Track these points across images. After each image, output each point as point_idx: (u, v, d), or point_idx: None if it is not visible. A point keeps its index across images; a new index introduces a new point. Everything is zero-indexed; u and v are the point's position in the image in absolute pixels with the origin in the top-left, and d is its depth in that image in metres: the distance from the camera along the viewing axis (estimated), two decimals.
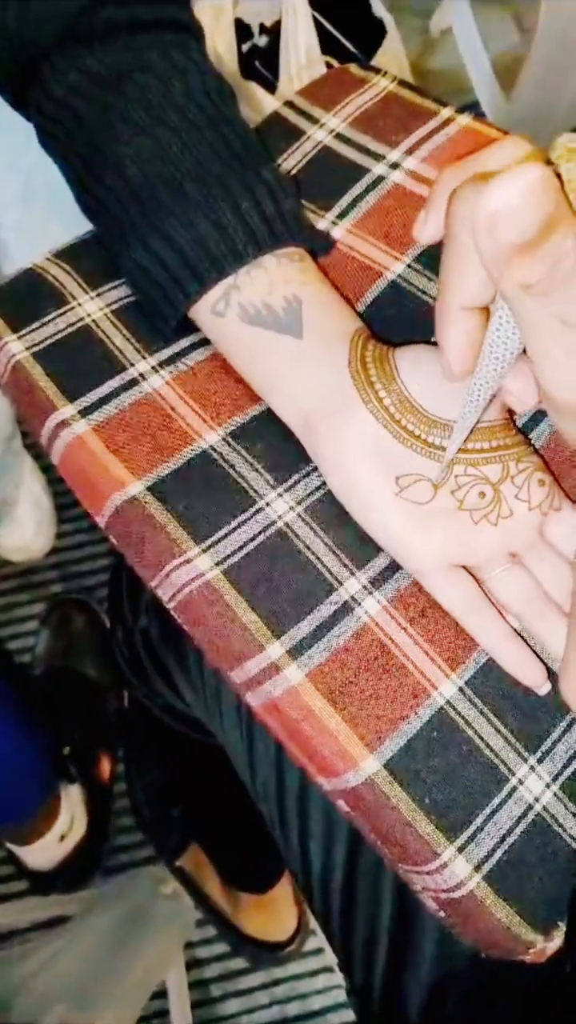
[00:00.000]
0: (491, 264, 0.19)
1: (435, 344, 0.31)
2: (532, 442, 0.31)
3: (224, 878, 0.77)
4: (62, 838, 0.76)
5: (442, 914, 0.27)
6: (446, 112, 0.38)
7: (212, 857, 0.77)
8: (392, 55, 0.90)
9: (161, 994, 0.72)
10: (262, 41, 0.90)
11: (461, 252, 0.23)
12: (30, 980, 0.65)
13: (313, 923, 0.79)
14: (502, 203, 0.18)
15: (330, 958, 0.79)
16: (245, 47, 0.90)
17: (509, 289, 0.20)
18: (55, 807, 0.75)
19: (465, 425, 0.27)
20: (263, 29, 0.90)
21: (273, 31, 0.88)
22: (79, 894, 0.79)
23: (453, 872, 0.26)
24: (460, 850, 0.26)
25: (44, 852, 0.76)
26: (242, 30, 0.89)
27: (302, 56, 0.84)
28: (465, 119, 0.37)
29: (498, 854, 0.26)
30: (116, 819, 0.84)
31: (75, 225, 0.36)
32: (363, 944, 0.35)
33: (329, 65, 0.84)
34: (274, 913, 0.77)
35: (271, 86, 0.86)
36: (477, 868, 0.26)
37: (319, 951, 0.80)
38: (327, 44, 0.85)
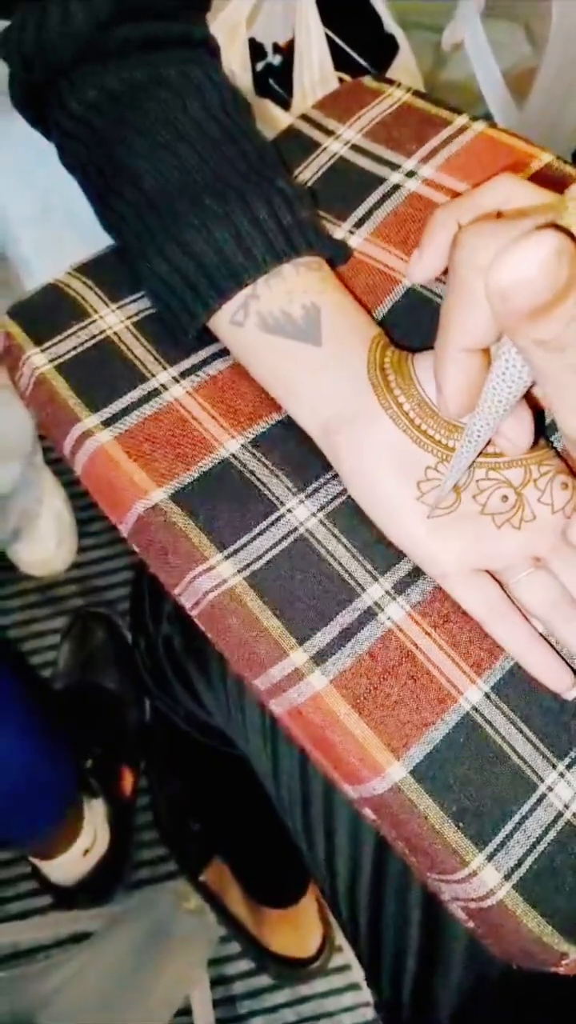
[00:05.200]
0: (505, 322, 0.19)
1: None
2: (554, 445, 0.31)
3: (248, 893, 0.76)
4: (85, 852, 0.76)
5: (472, 924, 0.27)
6: (461, 120, 0.38)
7: (235, 871, 0.77)
8: (405, 70, 0.91)
9: (186, 1011, 0.72)
10: (276, 60, 0.92)
11: (466, 297, 0.23)
12: (53, 996, 0.65)
13: (339, 939, 0.78)
14: (517, 275, 0.18)
15: (357, 975, 0.78)
16: (259, 66, 0.91)
17: (524, 344, 0.20)
18: (78, 821, 0.75)
19: (461, 464, 0.27)
20: (276, 48, 0.92)
21: (286, 50, 0.90)
22: (101, 909, 0.78)
23: (482, 881, 0.26)
24: (489, 858, 0.26)
25: (67, 867, 0.76)
26: (256, 50, 0.90)
27: (315, 73, 0.85)
28: (480, 126, 0.38)
29: (528, 862, 0.26)
30: (138, 833, 0.83)
31: (93, 241, 0.36)
32: (391, 955, 0.35)
33: (342, 81, 0.85)
34: (299, 929, 0.76)
35: (285, 104, 0.87)
36: (507, 877, 0.26)
37: (346, 968, 0.79)
38: (340, 61, 0.86)
